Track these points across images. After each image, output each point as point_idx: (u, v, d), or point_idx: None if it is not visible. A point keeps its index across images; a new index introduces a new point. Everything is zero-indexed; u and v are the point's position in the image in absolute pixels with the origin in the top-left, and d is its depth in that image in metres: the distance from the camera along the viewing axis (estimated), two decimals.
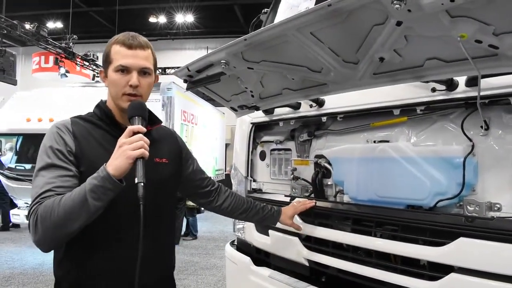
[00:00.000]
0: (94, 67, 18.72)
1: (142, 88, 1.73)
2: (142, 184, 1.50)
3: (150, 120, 1.81)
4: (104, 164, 1.51)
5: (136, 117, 1.65)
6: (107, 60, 1.76)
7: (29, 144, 9.34)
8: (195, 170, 2.16)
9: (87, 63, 18.00)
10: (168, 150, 1.94)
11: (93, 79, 19.62)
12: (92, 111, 1.85)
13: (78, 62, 17.28)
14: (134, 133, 1.56)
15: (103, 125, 1.78)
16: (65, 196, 1.50)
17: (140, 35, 1.80)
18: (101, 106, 1.82)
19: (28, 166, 8.81)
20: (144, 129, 1.60)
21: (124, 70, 1.70)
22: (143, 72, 1.74)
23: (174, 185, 1.99)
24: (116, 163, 1.49)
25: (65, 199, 1.49)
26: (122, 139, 1.54)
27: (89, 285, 1.68)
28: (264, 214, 2.34)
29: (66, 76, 16.62)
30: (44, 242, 1.55)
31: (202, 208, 12.61)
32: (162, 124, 2.00)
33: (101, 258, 1.68)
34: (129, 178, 1.51)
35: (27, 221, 1.58)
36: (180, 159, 2.04)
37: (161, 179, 1.80)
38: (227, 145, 19.82)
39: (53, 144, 1.65)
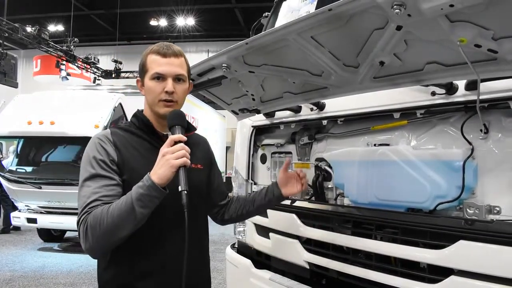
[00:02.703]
0: (95, 69, 18.76)
1: (177, 94, 1.79)
2: (185, 192, 1.56)
3: (186, 127, 1.85)
4: (148, 173, 1.57)
5: (177, 126, 1.70)
6: (143, 70, 1.82)
7: (30, 147, 9.33)
8: (220, 182, 2.19)
9: (88, 66, 18.03)
10: (202, 156, 2.01)
11: (94, 82, 19.68)
12: (129, 120, 1.92)
13: (79, 65, 17.32)
14: (175, 142, 1.61)
15: (141, 134, 1.84)
16: (112, 205, 1.56)
17: (174, 45, 1.85)
18: (139, 116, 1.88)
19: (29, 169, 8.79)
20: (185, 138, 1.65)
21: (160, 77, 1.76)
22: (177, 79, 1.79)
23: (207, 190, 2.04)
24: (160, 172, 1.55)
25: (113, 208, 1.55)
26: (164, 149, 1.60)
27: (137, 286, 1.74)
28: (265, 196, 2.14)
29: (67, 79, 16.67)
30: (95, 249, 1.63)
31: None
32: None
33: (148, 261, 1.74)
34: (171, 184, 1.58)
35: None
36: (211, 166, 2.12)
37: (197, 184, 1.84)
38: (227, 148, 19.83)
39: (96, 154, 1.71)
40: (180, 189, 1.57)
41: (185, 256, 1.55)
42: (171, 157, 1.56)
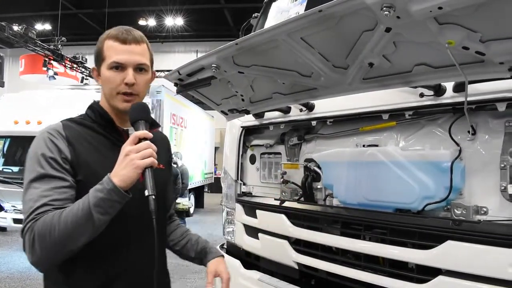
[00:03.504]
0: (83, 69, 18.62)
1: (138, 86, 1.59)
2: (153, 197, 1.38)
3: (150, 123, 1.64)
4: (108, 174, 1.38)
5: (141, 121, 1.51)
6: (99, 57, 1.61)
7: (16, 147, 9.25)
8: (171, 186, 2.02)
9: (75, 65, 17.89)
10: (164, 156, 1.82)
11: (81, 81, 19.53)
12: (84, 113, 1.69)
13: (66, 64, 17.17)
14: (140, 140, 1.42)
15: (98, 128, 1.62)
16: (65, 211, 1.36)
17: (135, 29, 1.65)
18: (95, 107, 1.67)
19: (15, 169, 8.71)
20: (151, 135, 1.47)
21: (119, 67, 1.56)
22: (139, 68, 1.60)
23: (168, 192, 1.88)
24: (123, 173, 1.36)
25: (66, 214, 1.34)
26: (127, 147, 1.40)
27: None
28: (198, 255, 1.97)
29: (55, 78, 16.52)
30: (43, 262, 1.40)
31: (192, 211, 12.60)
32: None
33: (105, 275, 1.54)
34: (133, 188, 1.40)
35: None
36: (170, 167, 1.96)
37: (161, 187, 1.61)
38: (216, 149, 19.80)
39: (45, 151, 1.47)
40: (147, 193, 1.37)
41: (155, 271, 1.40)
42: (136, 157, 1.37)
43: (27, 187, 1.44)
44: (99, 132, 1.62)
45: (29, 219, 1.37)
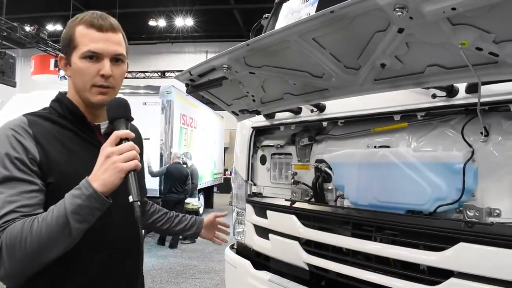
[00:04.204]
0: None
1: (114, 78, 1.46)
2: (138, 203, 1.27)
3: None
4: (86, 177, 1.26)
5: (122, 119, 1.40)
6: (70, 45, 1.44)
7: None
8: (143, 177, 1.84)
9: None
10: (140, 152, 1.67)
11: None
12: (49, 105, 1.54)
13: None
14: (121, 140, 1.31)
15: (67, 124, 1.47)
16: (37, 219, 1.21)
17: (109, 16, 1.51)
18: (63, 101, 1.51)
19: None
20: (133, 135, 1.36)
21: (94, 56, 1.42)
22: (115, 59, 1.47)
23: (142, 190, 1.69)
24: (104, 178, 1.24)
25: (39, 223, 1.20)
26: (108, 148, 1.28)
27: None
28: (188, 225, 2.04)
29: (66, 78, 16.61)
30: (13, 277, 1.24)
31: (201, 212, 12.63)
32: None
33: (80, 284, 1.42)
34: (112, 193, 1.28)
35: None
36: (142, 159, 1.74)
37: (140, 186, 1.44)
38: (226, 149, 19.85)
39: (9, 151, 1.30)
40: (131, 199, 1.26)
41: (140, 275, 1.38)
42: (118, 159, 1.25)
43: None
44: (68, 128, 1.46)
45: None
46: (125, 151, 1.28)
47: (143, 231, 1.28)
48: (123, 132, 1.33)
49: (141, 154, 1.70)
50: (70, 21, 1.47)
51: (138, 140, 1.61)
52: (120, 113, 1.41)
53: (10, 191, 1.25)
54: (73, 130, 1.47)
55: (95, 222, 1.27)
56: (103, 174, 1.24)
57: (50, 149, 1.37)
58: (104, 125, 1.53)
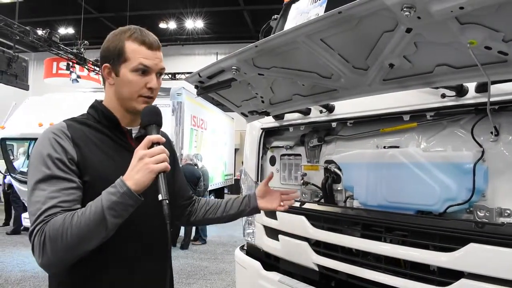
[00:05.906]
0: None
1: (156, 90, 1.65)
2: (167, 201, 1.40)
3: None
4: (121, 177, 1.39)
5: (154, 125, 1.54)
6: (120, 57, 1.60)
7: None
8: (182, 180, 2.04)
9: (98, 68, 18.14)
10: (171, 157, 1.71)
11: (103, 84, 19.77)
12: (86, 112, 1.70)
13: (89, 67, 17.46)
14: (153, 144, 1.45)
15: (102, 129, 1.63)
16: (77, 214, 1.36)
17: (150, 32, 1.68)
18: (99, 107, 1.67)
19: None
20: (164, 140, 1.48)
21: (145, 71, 1.59)
22: (159, 73, 1.65)
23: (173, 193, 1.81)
24: (137, 177, 1.37)
25: (79, 217, 1.35)
26: (141, 151, 1.41)
27: None
28: (240, 205, 2.08)
29: (78, 81, 16.78)
30: (54, 265, 1.39)
31: None
32: None
33: (116, 276, 1.57)
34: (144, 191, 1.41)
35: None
36: (174, 163, 1.91)
37: (170, 186, 1.59)
38: (236, 150, 19.86)
39: (51, 152, 1.46)
40: (160, 197, 1.39)
41: (167, 279, 1.45)
42: (150, 161, 1.38)
43: (33, 188, 1.43)
44: (102, 132, 1.63)
45: (38, 222, 1.37)
46: (156, 154, 1.41)
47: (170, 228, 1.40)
48: (154, 136, 1.46)
49: (173, 157, 1.88)
50: (116, 35, 1.63)
51: (168, 144, 1.77)
52: (153, 120, 1.55)
53: (51, 188, 1.41)
54: (107, 134, 1.63)
55: (128, 217, 1.41)
56: (136, 174, 1.38)
57: (86, 150, 1.53)
58: (135, 130, 1.69)
